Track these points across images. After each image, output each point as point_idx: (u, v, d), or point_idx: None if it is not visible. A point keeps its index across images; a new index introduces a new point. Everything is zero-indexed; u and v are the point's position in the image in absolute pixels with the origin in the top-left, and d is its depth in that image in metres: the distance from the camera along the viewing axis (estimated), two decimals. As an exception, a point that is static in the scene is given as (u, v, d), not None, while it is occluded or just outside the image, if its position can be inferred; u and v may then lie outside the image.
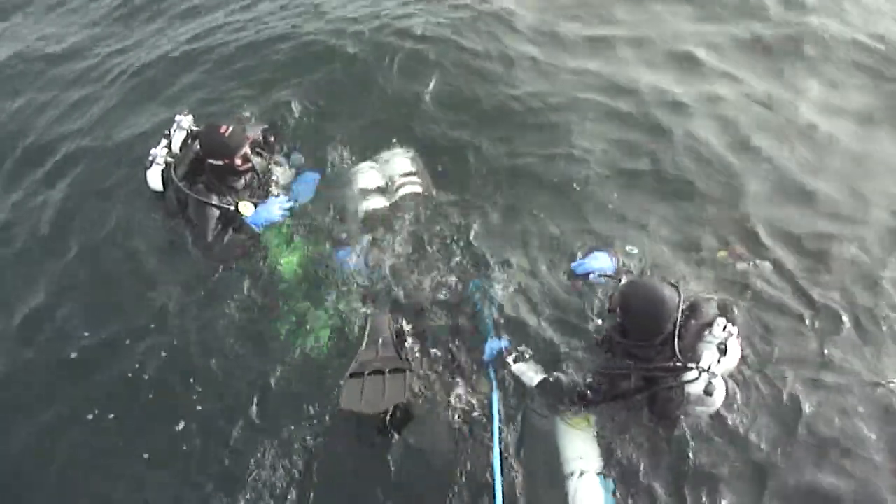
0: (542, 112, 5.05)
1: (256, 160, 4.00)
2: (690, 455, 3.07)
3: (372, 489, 3.08)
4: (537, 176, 4.53)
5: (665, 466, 3.07)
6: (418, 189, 4.12)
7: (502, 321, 3.62)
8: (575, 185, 4.43)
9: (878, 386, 3.32)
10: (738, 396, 3.18)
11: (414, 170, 4.22)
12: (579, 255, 3.87)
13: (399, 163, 4.27)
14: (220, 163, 3.82)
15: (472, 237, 4.05)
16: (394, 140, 4.58)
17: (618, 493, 2.96)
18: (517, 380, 3.31)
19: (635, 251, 3.91)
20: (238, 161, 3.83)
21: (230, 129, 3.81)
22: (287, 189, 4.17)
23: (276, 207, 3.93)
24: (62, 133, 5.18)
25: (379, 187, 4.14)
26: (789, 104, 5.03)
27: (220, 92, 5.24)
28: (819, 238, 4.05)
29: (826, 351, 3.46)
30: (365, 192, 4.09)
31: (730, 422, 3.14)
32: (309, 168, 4.33)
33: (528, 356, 3.33)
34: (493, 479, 2.87)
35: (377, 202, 4.05)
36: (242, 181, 3.95)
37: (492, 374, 3.34)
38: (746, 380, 3.28)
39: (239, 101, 5.04)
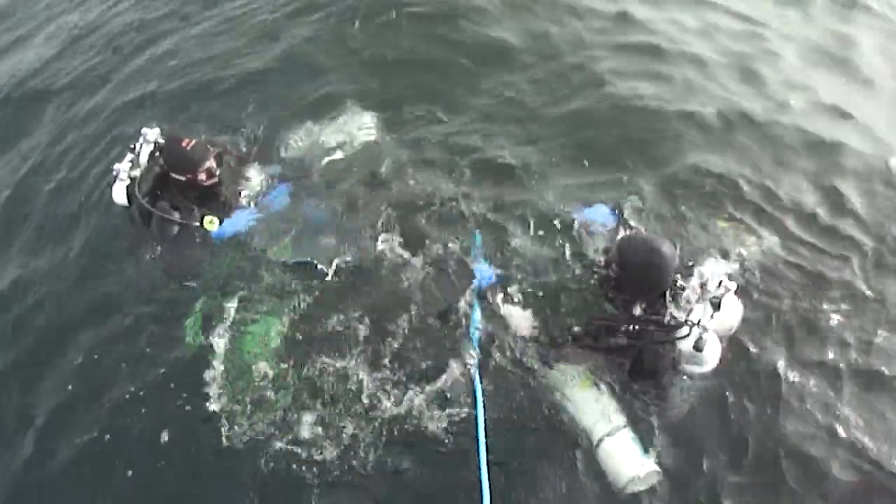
0: (539, 60, 5.03)
1: (223, 173, 3.86)
2: (696, 411, 3.06)
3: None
4: (526, 127, 4.51)
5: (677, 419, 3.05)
6: (376, 137, 4.27)
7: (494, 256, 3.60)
8: (557, 139, 4.37)
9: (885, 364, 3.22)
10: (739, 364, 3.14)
11: (372, 124, 4.36)
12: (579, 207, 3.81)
13: (358, 119, 4.39)
14: (182, 178, 3.70)
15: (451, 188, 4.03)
16: (348, 101, 4.65)
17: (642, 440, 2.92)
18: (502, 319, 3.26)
19: (639, 204, 3.83)
20: (202, 176, 3.72)
21: (192, 142, 3.68)
22: (256, 201, 4.01)
23: (243, 221, 3.80)
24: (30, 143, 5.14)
25: (338, 142, 4.23)
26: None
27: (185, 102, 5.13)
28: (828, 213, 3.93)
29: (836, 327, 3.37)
30: (327, 150, 4.18)
31: (731, 383, 3.12)
32: (282, 179, 4.17)
33: (517, 299, 3.25)
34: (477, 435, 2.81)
35: (336, 155, 4.15)
36: (208, 195, 3.82)
37: (476, 309, 3.25)
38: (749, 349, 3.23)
39: (205, 110, 4.95)
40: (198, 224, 3.73)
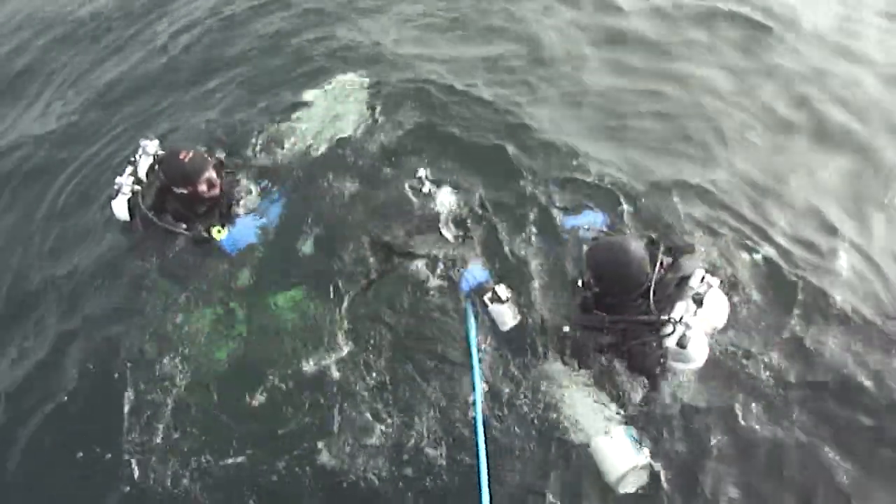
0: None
1: (223, 182, 3.89)
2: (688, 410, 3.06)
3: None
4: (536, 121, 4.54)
5: (668, 418, 3.05)
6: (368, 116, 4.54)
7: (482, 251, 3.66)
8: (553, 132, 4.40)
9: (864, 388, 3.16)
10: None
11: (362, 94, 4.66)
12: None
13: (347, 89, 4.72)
14: (184, 191, 3.71)
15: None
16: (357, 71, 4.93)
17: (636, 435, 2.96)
18: (492, 319, 3.29)
19: (630, 210, 3.87)
20: (202, 187, 3.72)
21: (190, 154, 3.69)
22: (255, 209, 4.04)
23: (250, 228, 3.83)
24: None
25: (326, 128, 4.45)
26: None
27: (174, 108, 5.20)
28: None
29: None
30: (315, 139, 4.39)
31: (725, 386, 3.12)
32: (275, 189, 4.19)
33: (504, 297, 3.25)
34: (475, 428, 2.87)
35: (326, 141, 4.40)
36: (209, 206, 3.85)
37: (468, 308, 3.32)
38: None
39: (196, 116, 5.01)
40: (205, 234, 3.72)
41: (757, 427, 3.02)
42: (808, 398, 3.10)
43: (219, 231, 3.73)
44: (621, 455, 2.80)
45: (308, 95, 4.84)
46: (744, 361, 3.18)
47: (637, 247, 2.96)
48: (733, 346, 3.19)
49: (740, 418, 3.04)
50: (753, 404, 3.08)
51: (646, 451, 2.86)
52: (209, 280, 3.74)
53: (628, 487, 2.81)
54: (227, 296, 3.70)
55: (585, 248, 3.24)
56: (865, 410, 3.05)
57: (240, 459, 3.13)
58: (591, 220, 3.64)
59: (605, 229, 3.58)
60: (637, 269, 2.92)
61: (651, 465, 2.85)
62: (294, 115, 4.70)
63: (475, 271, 3.44)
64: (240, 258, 3.81)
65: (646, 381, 3.00)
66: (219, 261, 3.80)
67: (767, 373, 3.16)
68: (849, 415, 3.05)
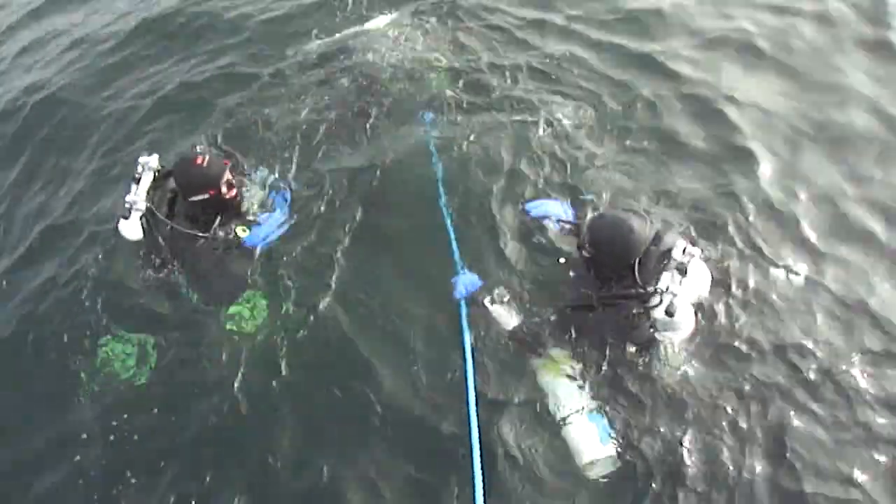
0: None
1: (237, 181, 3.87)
2: (673, 388, 3.12)
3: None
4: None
5: (652, 399, 3.10)
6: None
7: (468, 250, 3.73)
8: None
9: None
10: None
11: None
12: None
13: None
14: (205, 196, 3.66)
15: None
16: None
17: (609, 424, 3.01)
18: (490, 320, 3.33)
19: (590, 198, 3.95)
20: (224, 188, 3.69)
21: (206, 158, 3.62)
22: (269, 207, 4.04)
23: (273, 227, 3.86)
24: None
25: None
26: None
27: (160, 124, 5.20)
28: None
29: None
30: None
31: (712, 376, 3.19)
32: (276, 182, 4.22)
33: (505, 299, 3.30)
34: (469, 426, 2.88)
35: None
36: (227, 208, 3.81)
37: (462, 312, 3.31)
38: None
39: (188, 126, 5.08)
40: (231, 236, 3.72)
41: (743, 414, 3.08)
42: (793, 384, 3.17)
43: (244, 230, 3.77)
44: (587, 443, 2.90)
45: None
46: (729, 341, 3.26)
47: (640, 225, 3.03)
48: (718, 322, 3.26)
49: (726, 402, 3.10)
50: (740, 391, 3.14)
51: (613, 441, 2.94)
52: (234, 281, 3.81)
53: (597, 471, 2.90)
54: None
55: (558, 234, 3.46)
56: (853, 390, 3.13)
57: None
58: (556, 211, 3.66)
59: (573, 220, 3.59)
60: (637, 247, 3.00)
61: (613, 455, 2.92)
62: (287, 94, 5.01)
63: (467, 279, 3.45)
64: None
65: (632, 353, 3.07)
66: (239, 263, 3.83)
67: (753, 355, 3.24)
68: (838, 398, 3.12)
